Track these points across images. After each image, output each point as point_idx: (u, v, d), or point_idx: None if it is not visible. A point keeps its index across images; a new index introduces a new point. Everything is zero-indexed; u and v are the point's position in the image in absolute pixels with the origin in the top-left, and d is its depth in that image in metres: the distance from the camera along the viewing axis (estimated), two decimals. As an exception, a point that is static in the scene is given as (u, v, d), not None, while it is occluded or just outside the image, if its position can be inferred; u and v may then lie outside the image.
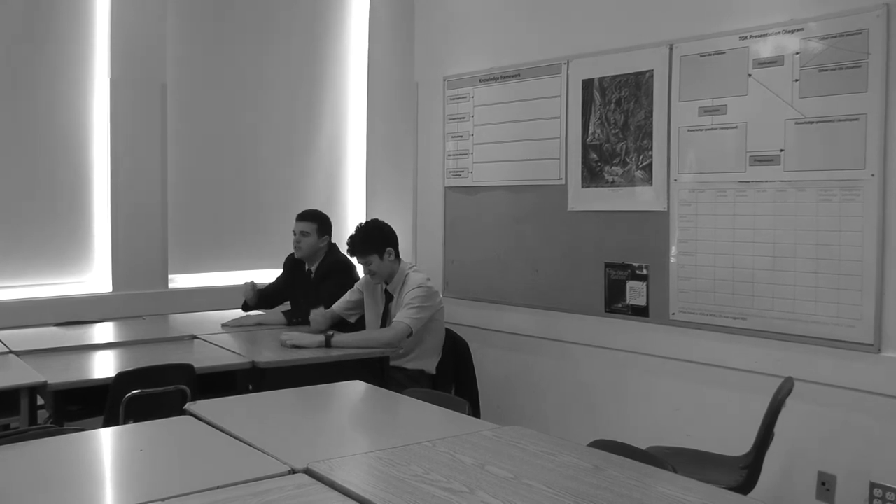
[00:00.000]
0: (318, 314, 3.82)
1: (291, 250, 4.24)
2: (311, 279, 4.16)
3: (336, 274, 4.08)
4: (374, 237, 3.73)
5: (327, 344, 3.42)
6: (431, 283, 3.76)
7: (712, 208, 3.52)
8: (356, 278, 4.09)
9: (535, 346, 4.30)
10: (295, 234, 4.13)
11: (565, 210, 4.10)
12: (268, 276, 4.48)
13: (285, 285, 4.31)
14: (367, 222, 3.85)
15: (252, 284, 4.21)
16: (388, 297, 3.81)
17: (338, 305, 3.94)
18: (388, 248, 3.73)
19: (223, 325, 3.91)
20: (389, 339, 3.54)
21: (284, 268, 4.37)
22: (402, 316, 3.59)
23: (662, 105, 3.68)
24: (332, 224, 4.20)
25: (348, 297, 3.94)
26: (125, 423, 2.73)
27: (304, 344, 3.41)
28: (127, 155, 4.22)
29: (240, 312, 4.20)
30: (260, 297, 4.25)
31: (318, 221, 4.13)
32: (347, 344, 3.46)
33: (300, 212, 4.17)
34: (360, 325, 3.95)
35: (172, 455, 2.06)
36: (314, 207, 4.26)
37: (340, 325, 3.89)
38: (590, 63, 3.99)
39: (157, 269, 4.34)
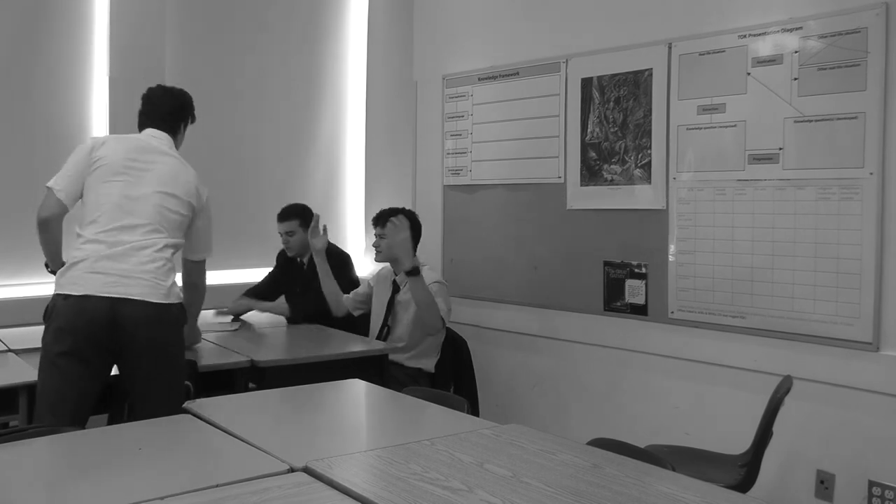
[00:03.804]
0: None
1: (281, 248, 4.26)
2: (305, 271, 4.16)
3: (335, 265, 4.06)
4: (410, 221, 3.82)
5: (412, 273, 3.54)
6: (446, 284, 3.83)
7: (711, 207, 3.52)
8: (353, 269, 4.20)
9: (534, 345, 4.30)
10: (281, 235, 4.16)
11: (564, 208, 4.11)
12: (265, 275, 4.47)
13: (278, 281, 4.31)
14: (409, 209, 3.97)
15: (247, 303, 4.19)
16: (395, 289, 3.83)
17: (348, 299, 3.99)
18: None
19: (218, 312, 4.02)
20: (435, 319, 3.61)
21: (277, 262, 4.38)
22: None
23: (661, 103, 3.68)
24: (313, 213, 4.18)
25: (360, 289, 4.02)
26: (129, 419, 2.73)
27: (402, 251, 3.59)
28: (126, 153, 4.21)
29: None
30: (253, 297, 4.26)
31: (300, 217, 4.14)
32: (419, 289, 3.56)
33: (279, 212, 4.19)
34: (363, 320, 3.97)
35: (171, 453, 2.06)
36: (292, 203, 4.24)
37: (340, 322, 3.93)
38: (589, 61, 3.99)
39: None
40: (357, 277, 4.26)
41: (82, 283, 2.59)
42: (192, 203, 2.82)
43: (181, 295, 2.76)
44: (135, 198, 2.70)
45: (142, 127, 2.94)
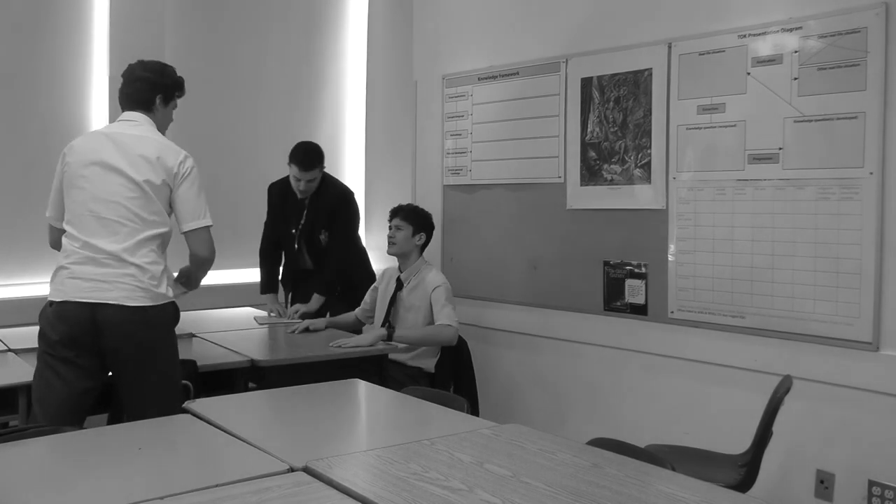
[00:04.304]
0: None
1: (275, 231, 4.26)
2: (308, 208, 4.14)
3: (343, 207, 4.13)
4: (423, 217, 3.91)
5: (389, 339, 3.52)
6: (449, 285, 3.85)
7: (711, 206, 3.52)
8: (357, 206, 4.24)
9: (533, 345, 4.30)
10: (299, 181, 4.00)
11: (564, 208, 4.10)
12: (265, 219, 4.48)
13: (277, 219, 4.24)
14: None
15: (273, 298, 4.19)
16: (399, 286, 3.86)
17: (359, 310, 4.05)
18: (422, 233, 3.86)
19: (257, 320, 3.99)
20: (449, 338, 3.68)
21: (272, 198, 4.27)
22: (445, 318, 3.69)
23: (661, 103, 3.68)
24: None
25: (367, 299, 4.04)
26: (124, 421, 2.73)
27: (366, 344, 3.45)
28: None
29: (248, 311, 4.24)
30: (267, 248, 4.25)
31: (320, 162, 4.03)
32: (407, 339, 3.59)
33: (298, 157, 3.99)
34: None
35: (171, 453, 2.06)
36: (304, 142, 4.11)
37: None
38: (588, 61, 3.99)
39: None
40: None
41: (63, 288, 2.60)
42: (160, 180, 2.67)
43: (170, 294, 2.70)
44: (101, 198, 2.63)
45: (122, 109, 2.85)
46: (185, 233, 2.77)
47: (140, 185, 2.64)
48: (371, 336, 3.53)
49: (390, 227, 3.87)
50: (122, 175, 2.65)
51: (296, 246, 4.19)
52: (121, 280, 2.59)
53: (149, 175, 2.66)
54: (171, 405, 2.45)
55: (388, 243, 3.88)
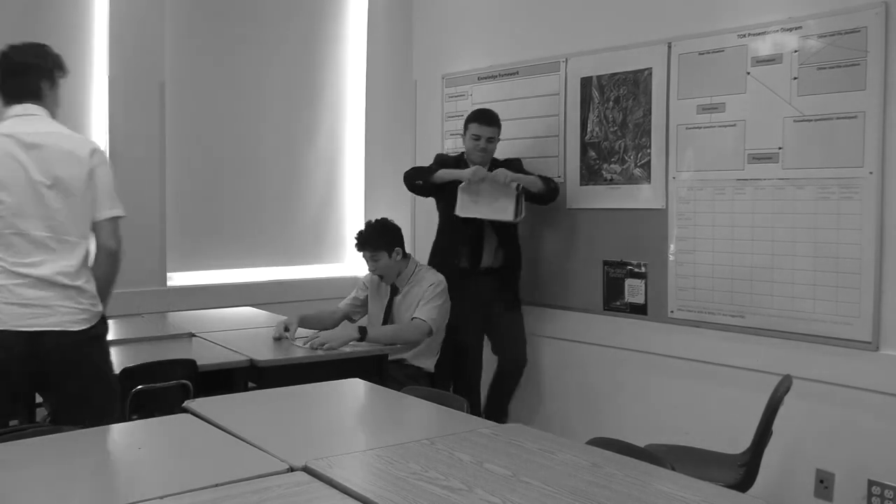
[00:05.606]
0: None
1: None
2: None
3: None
4: (385, 235, 3.71)
5: (361, 338, 3.42)
6: (445, 285, 3.76)
7: (711, 206, 3.52)
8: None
9: (533, 344, 4.30)
10: (478, 140, 3.96)
11: (564, 208, 4.10)
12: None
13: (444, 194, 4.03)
14: (377, 220, 3.80)
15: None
16: (394, 291, 3.81)
17: (345, 303, 3.95)
18: (397, 248, 3.72)
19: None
20: (420, 333, 3.60)
21: (442, 165, 4.09)
22: (422, 314, 3.61)
23: (661, 103, 3.68)
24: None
25: (356, 294, 3.96)
26: (130, 418, 2.73)
27: (338, 343, 3.36)
28: (125, 152, 4.20)
29: (248, 310, 4.21)
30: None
31: (500, 122, 4.02)
32: (379, 339, 3.49)
33: (480, 113, 4.01)
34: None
35: (171, 453, 2.06)
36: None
37: None
38: (588, 61, 3.99)
39: (156, 267, 4.33)
40: None
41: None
42: (81, 177, 2.48)
43: (100, 306, 2.56)
44: (26, 212, 2.42)
45: (7, 103, 2.55)
46: (100, 221, 2.55)
47: (66, 188, 2.46)
48: (342, 335, 3.42)
49: (367, 261, 3.73)
50: (41, 183, 2.43)
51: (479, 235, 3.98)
52: (62, 303, 2.45)
53: (72, 172, 2.47)
54: (113, 412, 2.45)
55: (378, 276, 3.77)
